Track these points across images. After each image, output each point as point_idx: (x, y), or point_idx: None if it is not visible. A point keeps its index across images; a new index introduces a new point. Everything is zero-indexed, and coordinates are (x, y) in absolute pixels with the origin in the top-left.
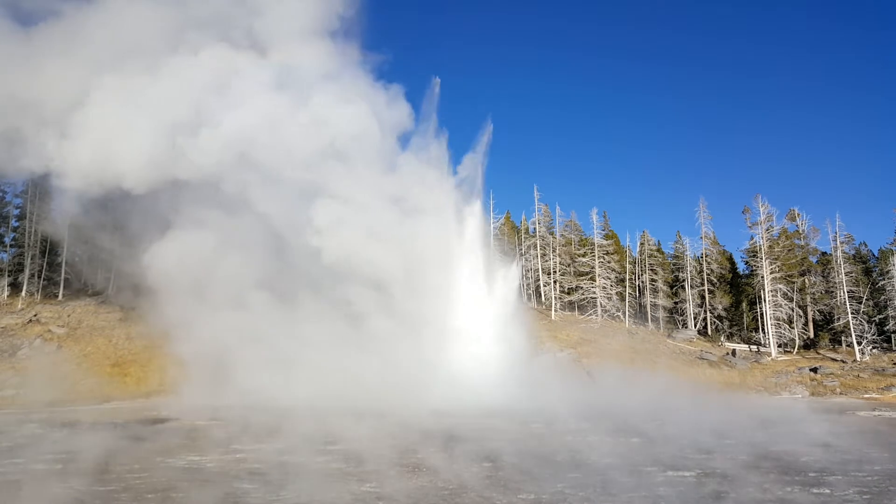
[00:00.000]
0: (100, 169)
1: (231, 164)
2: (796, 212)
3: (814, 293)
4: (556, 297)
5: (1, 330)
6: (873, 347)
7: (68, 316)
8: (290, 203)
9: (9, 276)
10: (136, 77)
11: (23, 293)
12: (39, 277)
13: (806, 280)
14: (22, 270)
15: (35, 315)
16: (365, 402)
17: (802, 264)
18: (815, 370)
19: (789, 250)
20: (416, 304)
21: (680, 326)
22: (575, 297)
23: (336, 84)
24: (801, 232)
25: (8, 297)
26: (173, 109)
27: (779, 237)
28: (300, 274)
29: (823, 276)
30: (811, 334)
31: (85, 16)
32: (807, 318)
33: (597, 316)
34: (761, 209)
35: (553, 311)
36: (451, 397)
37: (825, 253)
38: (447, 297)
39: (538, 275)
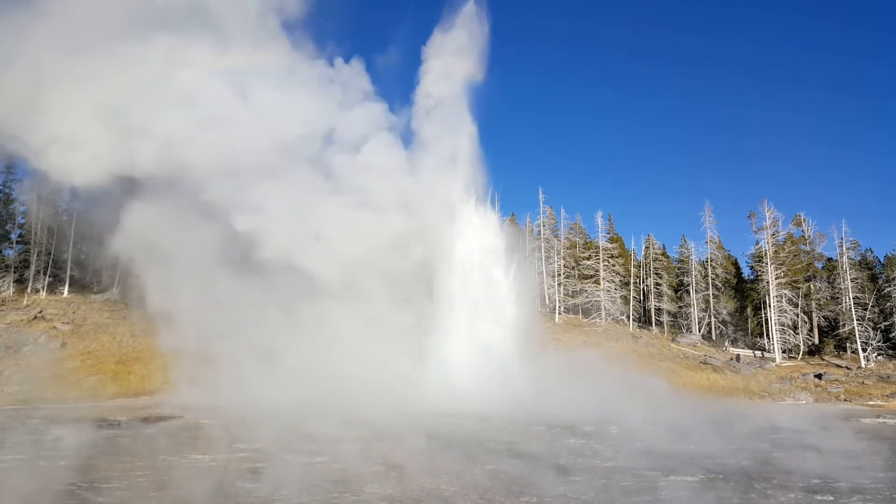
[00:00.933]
0: (64, 174)
1: (177, 164)
2: (802, 217)
3: (819, 299)
4: (559, 300)
5: (6, 326)
6: (878, 354)
7: (73, 313)
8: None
9: (14, 272)
10: (82, 75)
11: (28, 289)
12: (45, 274)
13: (811, 286)
14: (28, 267)
15: (40, 311)
16: (361, 404)
17: (808, 270)
18: (819, 376)
19: (795, 256)
20: (401, 302)
21: (684, 331)
22: (579, 300)
23: (285, 80)
24: (806, 237)
25: (14, 293)
26: (118, 110)
27: (784, 242)
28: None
29: (829, 282)
30: (816, 340)
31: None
32: (812, 324)
33: (601, 319)
34: (767, 214)
35: (557, 315)
36: (449, 400)
37: (831, 259)
38: (440, 295)
39: (542, 277)
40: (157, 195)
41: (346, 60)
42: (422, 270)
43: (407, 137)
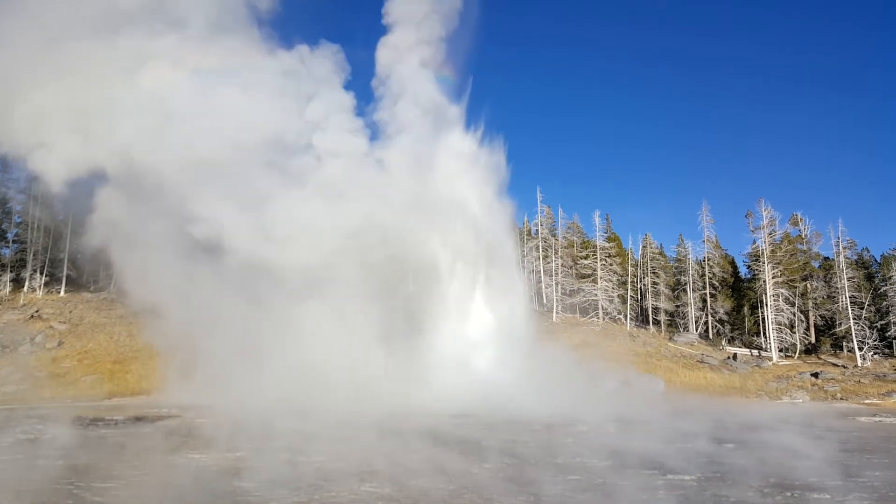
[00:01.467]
0: (42, 174)
1: (138, 167)
2: (799, 216)
3: (815, 298)
4: (557, 300)
5: (2, 325)
6: (874, 353)
7: (70, 312)
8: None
9: (11, 271)
10: (46, 77)
11: (25, 289)
12: (42, 273)
13: (808, 285)
14: (24, 266)
15: (37, 311)
16: (350, 402)
17: (804, 269)
18: (815, 375)
19: (792, 255)
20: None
21: (681, 330)
22: (577, 299)
23: (249, 77)
24: (803, 237)
25: (10, 292)
26: (82, 113)
27: (781, 242)
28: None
29: (825, 282)
30: (812, 339)
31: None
32: (808, 323)
33: (598, 318)
34: (764, 213)
35: (554, 314)
36: (441, 399)
37: (827, 258)
38: (433, 292)
39: (540, 276)
40: (130, 190)
41: (313, 50)
42: (399, 262)
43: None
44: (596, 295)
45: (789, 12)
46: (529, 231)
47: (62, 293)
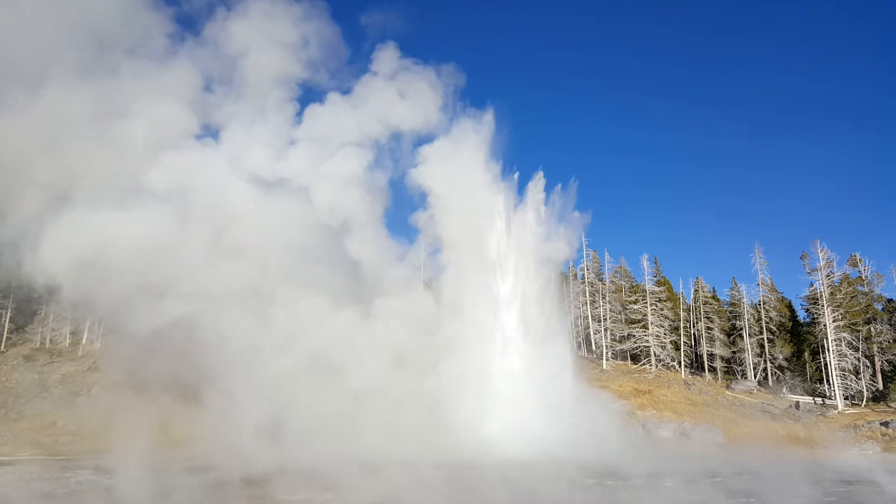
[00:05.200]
0: None
1: None
2: (858, 257)
3: (881, 342)
4: (607, 346)
5: (62, 377)
6: None
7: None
8: None
9: (70, 323)
10: None
11: (83, 341)
12: (100, 326)
13: (871, 328)
14: (84, 318)
15: (94, 363)
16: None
17: (867, 312)
18: (885, 424)
19: (852, 297)
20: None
21: (739, 377)
22: (627, 345)
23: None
24: (863, 278)
25: (70, 344)
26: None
27: (840, 284)
28: None
29: (890, 325)
30: (880, 386)
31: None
32: (874, 368)
33: (651, 365)
34: (820, 255)
35: (604, 360)
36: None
37: (891, 300)
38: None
39: (588, 322)
40: None
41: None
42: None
43: None
44: (647, 341)
45: (846, 49)
46: (575, 275)
47: None
